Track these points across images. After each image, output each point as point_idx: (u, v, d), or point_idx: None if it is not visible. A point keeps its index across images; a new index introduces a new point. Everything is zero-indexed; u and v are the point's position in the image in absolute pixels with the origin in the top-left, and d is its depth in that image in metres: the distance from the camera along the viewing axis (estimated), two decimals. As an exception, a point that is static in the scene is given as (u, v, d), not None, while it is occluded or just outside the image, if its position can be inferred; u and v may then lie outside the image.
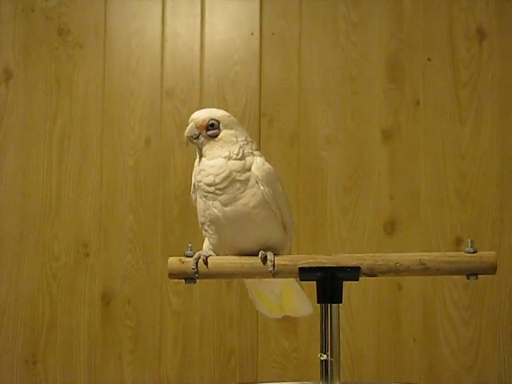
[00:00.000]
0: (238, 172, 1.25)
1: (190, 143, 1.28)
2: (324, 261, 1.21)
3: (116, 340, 1.98)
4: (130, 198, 2.01)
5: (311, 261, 1.21)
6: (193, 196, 1.32)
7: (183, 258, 1.25)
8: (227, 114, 1.30)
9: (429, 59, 2.01)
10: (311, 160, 2.00)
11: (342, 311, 1.21)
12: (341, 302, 1.21)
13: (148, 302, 1.98)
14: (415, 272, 1.21)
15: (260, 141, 1.99)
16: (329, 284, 1.20)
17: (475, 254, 1.20)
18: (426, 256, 1.21)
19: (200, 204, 1.28)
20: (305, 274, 1.21)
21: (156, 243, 2.00)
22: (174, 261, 1.25)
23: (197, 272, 1.24)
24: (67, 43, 2.06)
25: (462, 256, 1.21)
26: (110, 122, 2.03)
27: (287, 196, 1.32)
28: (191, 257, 1.24)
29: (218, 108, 1.34)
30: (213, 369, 1.97)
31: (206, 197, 1.26)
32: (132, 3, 2.07)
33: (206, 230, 1.29)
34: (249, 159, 1.27)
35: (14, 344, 1.99)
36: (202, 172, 1.26)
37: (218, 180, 1.24)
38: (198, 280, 1.25)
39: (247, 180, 1.25)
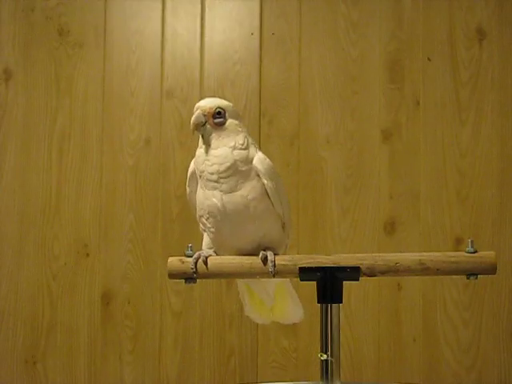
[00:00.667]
0: (241, 162, 1.24)
1: (196, 131, 1.27)
2: (324, 261, 1.21)
3: (116, 340, 1.98)
4: (129, 198, 2.01)
5: (311, 261, 1.21)
6: (188, 189, 1.31)
7: (183, 258, 1.25)
8: (231, 103, 1.30)
9: (429, 59, 2.01)
10: (311, 160, 2.00)
11: (342, 311, 1.21)
12: (341, 302, 1.21)
13: (148, 301, 1.98)
14: (415, 272, 1.21)
15: (260, 141, 1.99)
16: (329, 284, 1.20)
17: (475, 254, 1.20)
18: (425, 256, 1.21)
19: (199, 195, 1.28)
20: (305, 274, 1.21)
21: (156, 243, 2.00)
22: (174, 261, 1.25)
23: (195, 272, 1.23)
24: (67, 43, 2.06)
25: (461, 256, 1.21)
26: (110, 121, 2.03)
27: (287, 194, 1.32)
28: (191, 257, 1.24)
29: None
30: (213, 369, 1.97)
31: (206, 186, 1.25)
32: (132, 3, 2.07)
33: (204, 224, 1.28)
34: (251, 151, 1.27)
35: (13, 344, 1.99)
36: (206, 162, 1.25)
37: (222, 169, 1.24)
38: (197, 280, 1.25)
39: (248, 172, 1.25)
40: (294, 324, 1.93)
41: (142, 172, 2.02)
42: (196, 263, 1.23)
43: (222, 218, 1.25)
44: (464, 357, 1.93)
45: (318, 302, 1.22)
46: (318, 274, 1.20)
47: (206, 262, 1.24)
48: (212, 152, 1.25)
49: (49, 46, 2.06)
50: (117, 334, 1.98)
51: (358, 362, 1.95)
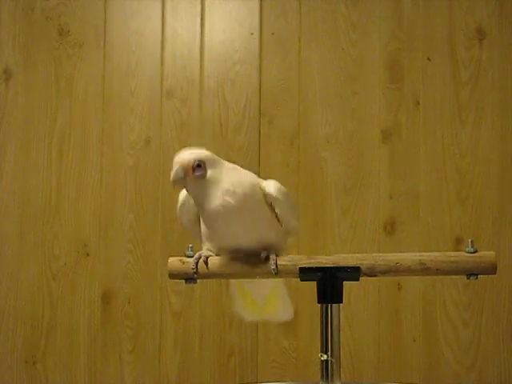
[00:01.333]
0: (237, 201, 1.21)
1: (176, 186, 1.23)
2: (324, 261, 1.21)
3: (116, 340, 1.98)
4: (129, 198, 2.01)
5: (311, 261, 1.21)
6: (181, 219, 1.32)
7: (184, 259, 1.25)
8: (209, 152, 1.25)
9: (429, 59, 2.01)
10: (311, 160, 2.00)
11: (342, 311, 1.21)
12: (341, 302, 1.21)
13: (148, 302, 1.98)
14: (415, 272, 1.20)
15: (260, 141, 1.99)
16: (329, 284, 1.20)
17: (475, 254, 1.20)
18: (425, 256, 1.21)
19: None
20: (305, 274, 1.21)
21: (156, 243, 2.00)
22: (174, 261, 1.25)
23: (196, 272, 1.23)
24: (67, 43, 2.06)
25: (461, 256, 1.20)
26: (110, 122, 2.04)
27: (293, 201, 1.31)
28: (192, 257, 1.24)
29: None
30: (213, 369, 1.97)
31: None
32: (132, 3, 2.07)
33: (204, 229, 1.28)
34: (244, 178, 1.24)
35: (13, 344, 1.99)
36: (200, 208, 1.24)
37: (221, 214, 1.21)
38: (198, 280, 1.25)
39: (252, 198, 1.23)
40: (294, 324, 1.94)
41: (141, 172, 2.02)
42: (197, 263, 1.23)
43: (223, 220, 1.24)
44: (464, 357, 1.93)
45: (318, 302, 1.21)
46: (318, 274, 1.20)
47: (206, 263, 1.24)
48: (205, 207, 1.22)
49: (49, 45, 2.06)
50: (117, 333, 1.98)
51: (358, 362, 1.95)
